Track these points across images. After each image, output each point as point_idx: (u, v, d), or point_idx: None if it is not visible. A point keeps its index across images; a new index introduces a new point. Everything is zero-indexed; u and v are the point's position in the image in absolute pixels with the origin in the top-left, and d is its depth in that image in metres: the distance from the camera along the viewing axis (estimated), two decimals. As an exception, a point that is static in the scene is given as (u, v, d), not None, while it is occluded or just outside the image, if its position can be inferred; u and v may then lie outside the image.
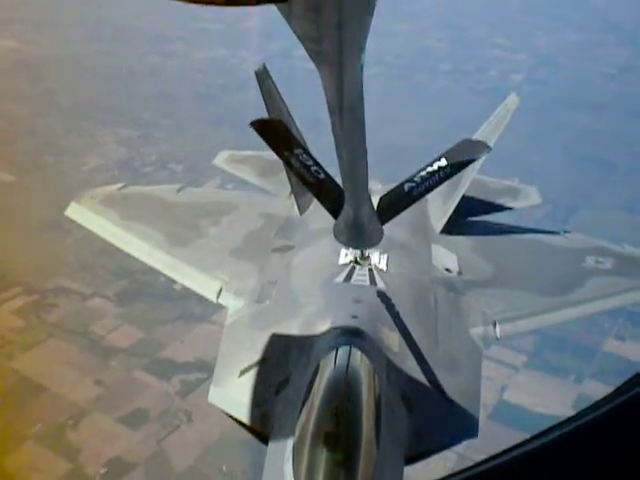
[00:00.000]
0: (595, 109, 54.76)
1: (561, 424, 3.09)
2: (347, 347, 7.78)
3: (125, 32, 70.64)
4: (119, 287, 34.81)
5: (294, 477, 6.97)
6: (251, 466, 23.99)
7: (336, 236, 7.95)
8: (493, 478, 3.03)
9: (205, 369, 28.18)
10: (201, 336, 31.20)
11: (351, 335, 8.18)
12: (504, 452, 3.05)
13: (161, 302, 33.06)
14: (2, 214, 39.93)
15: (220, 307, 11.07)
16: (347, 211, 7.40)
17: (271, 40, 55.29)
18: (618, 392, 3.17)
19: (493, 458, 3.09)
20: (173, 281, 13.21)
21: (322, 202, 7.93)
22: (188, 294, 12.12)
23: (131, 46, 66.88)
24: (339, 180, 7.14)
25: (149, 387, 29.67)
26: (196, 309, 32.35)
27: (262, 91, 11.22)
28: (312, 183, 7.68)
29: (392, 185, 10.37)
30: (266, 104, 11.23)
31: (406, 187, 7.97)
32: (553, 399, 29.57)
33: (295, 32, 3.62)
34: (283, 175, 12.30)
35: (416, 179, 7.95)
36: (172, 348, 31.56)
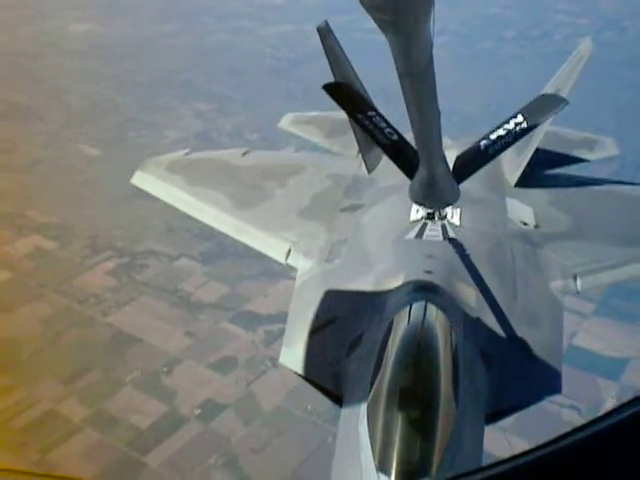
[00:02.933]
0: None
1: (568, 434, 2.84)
2: (422, 302, 7.54)
3: (194, 12, 72.27)
4: (204, 248, 36.57)
5: (369, 438, 6.76)
6: (334, 406, 25.51)
7: (412, 197, 7.85)
8: None
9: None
10: (282, 291, 32.56)
11: (425, 290, 7.97)
12: (508, 459, 2.86)
13: (243, 260, 34.47)
14: (90, 185, 42.20)
15: (299, 265, 10.88)
16: (422, 171, 7.32)
17: (336, 14, 56.54)
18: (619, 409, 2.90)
19: (500, 463, 2.87)
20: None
21: (397, 163, 7.95)
22: (268, 254, 11.68)
23: (201, 25, 68.54)
24: (412, 140, 7.16)
25: (236, 337, 31.51)
26: (276, 267, 33.75)
27: (325, 48, 10.68)
28: (386, 145, 7.72)
29: (463, 140, 10.32)
30: (329, 61, 10.73)
31: (482, 145, 7.93)
32: (621, 343, 30.49)
33: (362, 2, 3.79)
34: (349, 135, 11.97)
35: (492, 137, 7.92)
36: (256, 302, 33.25)
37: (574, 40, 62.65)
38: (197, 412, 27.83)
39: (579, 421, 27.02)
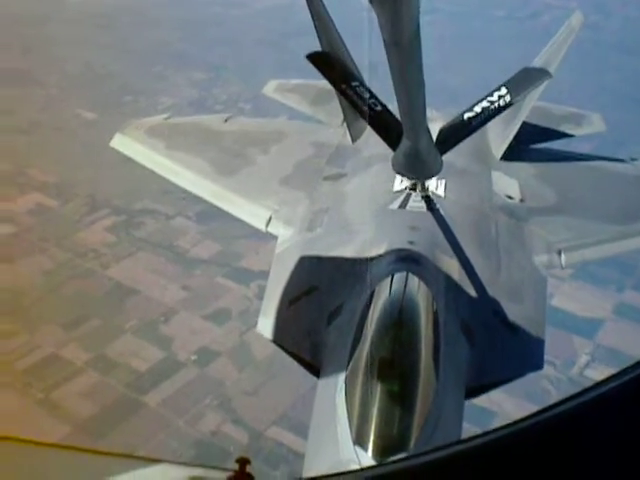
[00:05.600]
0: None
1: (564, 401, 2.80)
2: (403, 273, 7.42)
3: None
4: (198, 209, 37.38)
5: (347, 410, 6.61)
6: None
7: (394, 167, 7.70)
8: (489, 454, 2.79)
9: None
10: (274, 250, 34.00)
11: (407, 261, 7.83)
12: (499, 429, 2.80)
13: (236, 222, 35.57)
14: (87, 147, 42.98)
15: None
16: (406, 142, 7.21)
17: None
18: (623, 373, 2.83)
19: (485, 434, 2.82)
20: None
21: (380, 134, 7.89)
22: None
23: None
24: (396, 112, 7.04)
25: (230, 291, 32.98)
26: (268, 228, 35.13)
27: (312, 14, 10.20)
28: (369, 115, 7.71)
29: (448, 112, 9.85)
30: (317, 29, 10.26)
31: (466, 117, 7.89)
32: (595, 305, 32.14)
33: None
34: (335, 103, 11.58)
35: (476, 109, 7.88)
36: (249, 259, 34.46)
37: (562, 22, 63.73)
38: (193, 358, 29.30)
39: (555, 375, 28.71)
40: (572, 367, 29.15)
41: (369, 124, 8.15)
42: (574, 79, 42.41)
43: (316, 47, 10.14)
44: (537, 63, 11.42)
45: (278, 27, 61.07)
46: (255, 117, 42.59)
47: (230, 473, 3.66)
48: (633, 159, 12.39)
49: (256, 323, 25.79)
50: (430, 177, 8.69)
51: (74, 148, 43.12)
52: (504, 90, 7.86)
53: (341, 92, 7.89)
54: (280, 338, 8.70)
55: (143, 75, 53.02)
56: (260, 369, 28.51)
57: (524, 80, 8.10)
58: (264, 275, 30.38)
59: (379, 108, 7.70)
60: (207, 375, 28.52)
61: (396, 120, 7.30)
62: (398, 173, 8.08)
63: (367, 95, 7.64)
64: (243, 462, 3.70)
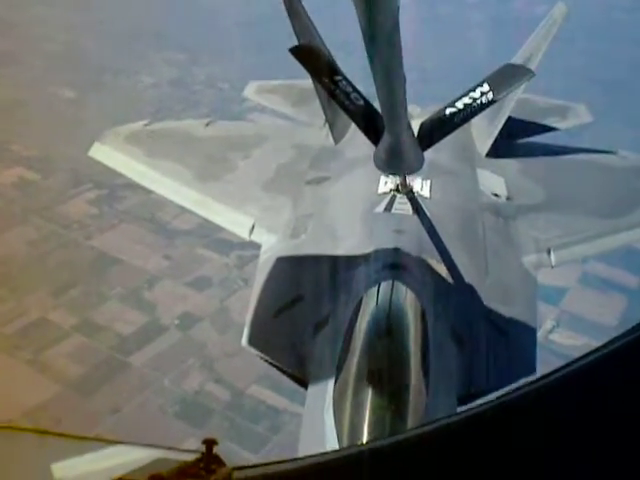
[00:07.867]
0: (614, 38, 57.34)
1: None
2: (390, 281, 7.28)
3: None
4: (178, 183, 38.71)
5: (335, 426, 6.43)
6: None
7: (376, 163, 7.58)
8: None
9: (259, 247, 31.60)
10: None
11: (394, 268, 7.66)
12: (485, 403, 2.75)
13: (216, 196, 36.76)
14: (67, 125, 43.70)
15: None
16: (387, 137, 7.09)
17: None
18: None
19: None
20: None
21: (362, 129, 7.77)
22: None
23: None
24: (378, 107, 6.93)
25: (211, 260, 33.97)
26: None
27: (288, 9, 10.06)
28: (351, 110, 7.58)
29: (431, 109, 9.32)
30: (293, 25, 10.14)
31: (448, 113, 7.69)
32: (561, 275, 33.34)
33: None
34: (315, 104, 11.44)
35: (458, 105, 7.67)
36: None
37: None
38: (176, 322, 30.42)
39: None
40: (538, 331, 30.56)
41: (351, 119, 8.03)
42: (543, 63, 43.32)
43: (290, 29, 10.29)
44: (520, 55, 11.42)
45: (256, 8, 61.78)
46: (233, 97, 43.76)
47: (197, 454, 3.53)
48: (613, 152, 12.23)
49: (235, 290, 26.82)
50: (411, 172, 8.45)
51: (56, 125, 43.71)
52: (486, 86, 7.68)
53: (323, 86, 7.85)
54: (265, 350, 8.48)
55: (122, 55, 53.58)
56: (241, 332, 29.28)
57: (507, 76, 7.90)
58: (244, 246, 31.65)
59: (361, 102, 7.59)
60: (190, 338, 29.62)
61: (379, 115, 7.15)
62: (379, 169, 7.83)
63: (349, 89, 7.57)
64: (210, 443, 3.56)
